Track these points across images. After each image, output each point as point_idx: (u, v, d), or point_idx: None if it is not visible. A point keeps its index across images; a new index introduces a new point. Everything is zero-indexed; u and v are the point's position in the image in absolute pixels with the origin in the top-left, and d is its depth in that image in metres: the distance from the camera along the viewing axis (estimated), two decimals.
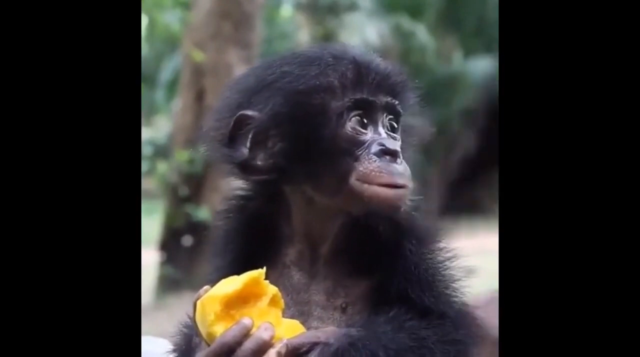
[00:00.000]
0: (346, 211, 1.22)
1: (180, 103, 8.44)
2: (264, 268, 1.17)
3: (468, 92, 13.99)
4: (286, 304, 1.19)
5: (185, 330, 1.29)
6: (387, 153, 1.19)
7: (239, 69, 6.68)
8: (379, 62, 1.25)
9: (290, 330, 1.16)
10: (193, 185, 7.69)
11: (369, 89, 1.22)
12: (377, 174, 1.18)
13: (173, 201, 7.84)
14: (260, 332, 1.13)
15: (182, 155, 7.56)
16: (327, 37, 12.97)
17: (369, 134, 1.21)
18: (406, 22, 14.05)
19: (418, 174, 1.24)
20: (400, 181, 1.18)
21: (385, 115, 1.24)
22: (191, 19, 7.91)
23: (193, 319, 1.18)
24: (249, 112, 1.23)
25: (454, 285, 1.25)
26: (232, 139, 1.24)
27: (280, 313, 1.17)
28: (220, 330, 1.14)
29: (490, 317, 1.31)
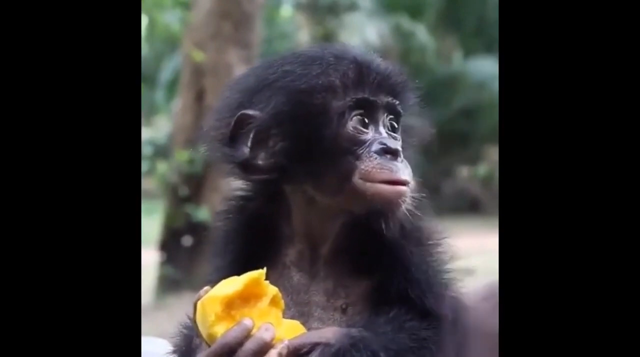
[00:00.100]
0: (347, 210, 1.22)
1: (180, 103, 8.44)
2: (265, 269, 1.17)
3: (468, 92, 14.02)
4: (286, 304, 1.19)
5: (185, 331, 1.28)
6: (388, 152, 1.20)
7: (239, 69, 6.69)
8: (379, 62, 1.25)
9: (290, 331, 1.16)
10: (193, 185, 7.69)
11: (370, 88, 1.22)
12: (379, 170, 1.18)
13: (173, 201, 7.85)
14: (261, 333, 1.12)
15: (182, 156, 7.57)
16: (327, 37, 12.99)
17: (370, 134, 1.22)
18: (406, 22, 14.08)
19: (418, 174, 1.24)
20: (402, 178, 1.18)
21: (385, 115, 1.25)
22: (191, 19, 7.91)
23: (193, 319, 1.17)
24: (250, 112, 1.23)
25: (454, 285, 1.25)
26: (233, 138, 1.24)
27: (280, 314, 1.17)
28: (221, 331, 1.13)
29: (486, 314, 1.31)
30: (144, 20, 7.88)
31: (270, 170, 1.22)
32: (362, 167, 1.19)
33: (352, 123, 1.21)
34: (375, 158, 1.19)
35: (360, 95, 1.21)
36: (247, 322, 1.13)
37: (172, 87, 13.35)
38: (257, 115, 1.22)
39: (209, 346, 1.15)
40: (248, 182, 1.29)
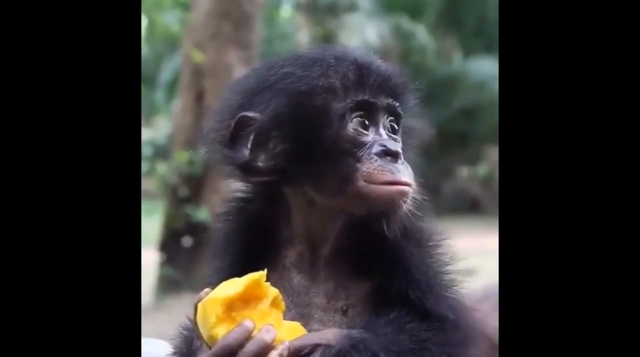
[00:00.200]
0: (347, 211, 1.22)
1: (180, 104, 8.44)
2: (265, 270, 1.17)
3: (468, 92, 14.02)
4: (286, 306, 1.19)
5: (185, 332, 1.28)
6: (388, 154, 1.20)
7: (239, 70, 6.69)
8: (380, 64, 1.25)
9: (291, 332, 1.16)
10: (193, 186, 7.69)
11: (370, 90, 1.22)
12: (380, 172, 1.18)
13: (173, 202, 7.84)
14: (262, 335, 1.12)
15: (182, 156, 7.56)
16: (327, 37, 12.99)
17: (370, 135, 1.21)
18: (406, 23, 14.08)
19: (419, 174, 1.24)
20: (403, 179, 1.18)
21: (386, 116, 1.24)
22: (191, 19, 7.91)
23: (194, 321, 1.17)
24: (250, 114, 1.23)
25: (454, 286, 1.25)
26: (233, 140, 1.24)
27: (281, 315, 1.17)
28: (222, 332, 1.13)
29: (485, 315, 1.31)
30: (144, 21, 7.87)
31: (271, 172, 1.22)
32: (364, 169, 1.19)
33: (353, 125, 1.21)
34: (376, 160, 1.19)
35: (360, 97, 1.21)
36: (248, 323, 1.13)
37: (172, 87, 13.34)
38: (258, 117, 1.22)
39: (210, 348, 1.15)
40: (248, 184, 1.29)
